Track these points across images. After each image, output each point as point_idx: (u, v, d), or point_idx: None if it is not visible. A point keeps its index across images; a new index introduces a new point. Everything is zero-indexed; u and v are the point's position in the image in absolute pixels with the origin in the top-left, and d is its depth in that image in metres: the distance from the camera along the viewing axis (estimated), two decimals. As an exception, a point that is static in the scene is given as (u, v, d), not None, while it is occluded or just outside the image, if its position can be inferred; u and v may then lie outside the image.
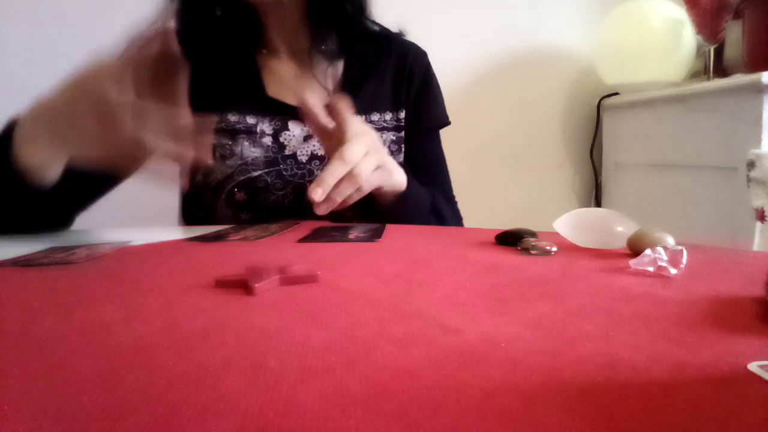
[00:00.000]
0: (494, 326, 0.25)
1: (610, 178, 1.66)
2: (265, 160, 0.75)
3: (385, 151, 0.69)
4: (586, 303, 0.29)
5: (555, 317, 0.26)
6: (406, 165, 0.81)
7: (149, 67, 0.50)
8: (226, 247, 0.50)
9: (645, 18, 1.47)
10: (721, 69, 1.40)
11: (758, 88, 1.09)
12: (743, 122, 1.13)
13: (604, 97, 1.65)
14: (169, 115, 0.50)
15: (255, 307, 0.29)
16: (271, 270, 0.35)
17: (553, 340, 0.23)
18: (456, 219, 0.86)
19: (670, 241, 0.41)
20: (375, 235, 0.54)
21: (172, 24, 0.78)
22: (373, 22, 0.84)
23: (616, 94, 1.61)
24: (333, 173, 0.56)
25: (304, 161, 0.77)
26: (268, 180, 0.75)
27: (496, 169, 1.67)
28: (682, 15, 1.42)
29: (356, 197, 0.61)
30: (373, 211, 0.70)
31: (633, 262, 0.37)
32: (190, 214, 0.83)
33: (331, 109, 0.62)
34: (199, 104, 0.58)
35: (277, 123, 0.77)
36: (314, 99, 0.60)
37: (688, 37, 1.44)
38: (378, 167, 0.62)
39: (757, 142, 1.09)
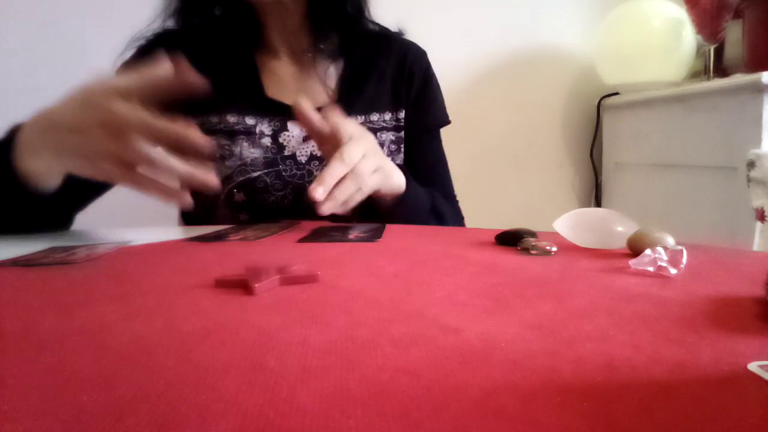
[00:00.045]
0: (494, 326, 0.25)
1: (610, 178, 1.66)
2: (264, 160, 0.75)
3: (383, 153, 0.69)
4: (586, 303, 0.29)
5: (555, 317, 0.26)
6: (404, 167, 0.81)
7: (158, 87, 0.51)
8: (226, 247, 0.50)
9: (645, 18, 1.48)
10: (721, 69, 1.40)
11: (758, 88, 1.09)
12: (743, 122, 1.13)
13: (604, 97, 1.65)
14: (178, 134, 0.49)
15: (255, 307, 0.29)
16: (271, 270, 0.35)
17: (553, 340, 0.23)
18: (457, 218, 0.86)
19: (670, 241, 0.41)
20: (375, 235, 0.54)
21: (170, 24, 0.78)
22: (373, 22, 0.84)
23: (616, 94, 1.61)
24: (332, 173, 0.57)
25: (304, 162, 0.77)
26: (268, 181, 0.75)
27: (496, 169, 1.67)
28: (682, 15, 1.42)
29: (358, 198, 0.61)
30: (372, 213, 0.70)
31: (633, 262, 0.37)
32: (189, 214, 0.83)
33: (325, 115, 0.62)
34: (198, 105, 0.58)
35: (276, 123, 0.77)
36: (308, 104, 0.60)
37: (688, 37, 1.44)
38: (377, 169, 0.62)
39: (757, 142, 1.09)
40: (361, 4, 0.80)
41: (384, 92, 0.83)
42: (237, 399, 0.18)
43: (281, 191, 0.75)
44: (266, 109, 0.77)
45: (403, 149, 0.84)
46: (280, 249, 0.48)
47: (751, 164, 1.01)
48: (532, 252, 0.44)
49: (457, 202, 0.89)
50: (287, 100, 0.78)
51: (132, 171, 0.50)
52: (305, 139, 0.78)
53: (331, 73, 0.82)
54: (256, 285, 0.32)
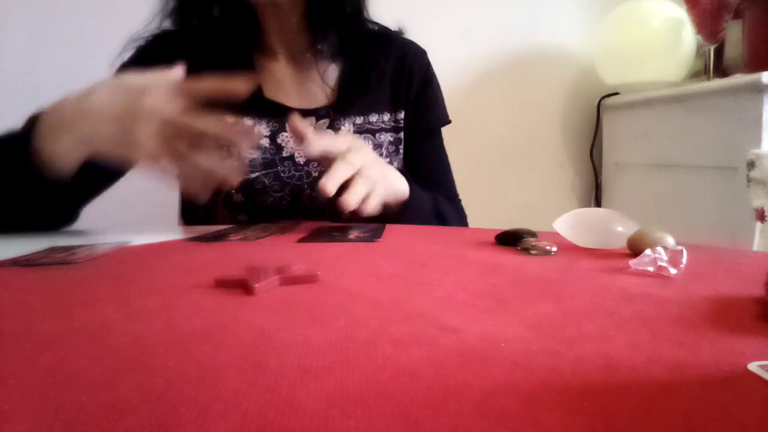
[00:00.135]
0: (494, 326, 0.25)
1: (610, 178, 1.66)
2: (262, 161, 0.75)
3: (383, 160, 0.69)
4: (586, 303, 0.29)
5: (555, 317, 0.26)
6: (406, 171, 0.81)
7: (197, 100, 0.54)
8: (226, 247, 0.50)
9: (645, 18, 1.47)
10: (721, 69, 1.40)
11: (758, 88, 1.08)
12: (743, 122, 1.13)
13: (604, 97, 1.65)
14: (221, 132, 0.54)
15: (255, 307, 0.29)
16: (271, 270, 0.35)
17: (553, 340, 0.23)
18: (460, 218, 0.86)
19: (670, 241, 0.41)
20: (375, 235, 0.54)
21: (167, 25, 0.78)
22: (372, 21, 0.84)
23: (616, 94, 1.61)
24: (339, 169, 0.57)
25: (302, 163, 0.77)
26: (266, 182, 0.75)
27: (496, 169, 1.67)
28: (682, 15, 1.42)
29: (373, 202, 0.60)
30: (375, 217, 0.70)
31: (633, 262, 0.37)
32: (189, 214, 0.83)
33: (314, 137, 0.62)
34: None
35: (275, 124, 0.77)
36: (302, 123, 0.60)
37: (688, 37, 1.44)
38: (380, 179, 0.62)
39: (757, 142, 1.09)
40: (360, 4, 0.80)
41: (383, 93, 0.83)
42: (237, 399, 0.18)
43: (279, 192, 0.75)
44: (264, 110, 0.77)
45: (401, 150, 0.84)
46: (280, 249, 0.48)
47: (751, 164, 1.01)
48: (532, 252, 0.44)
49: (460, 201, 0.89)
50: (286, 101, 0.78)
51: (167, 157, 0.53)
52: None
53: (330, 73, 0.81)
54: (256, 285, 0.32)
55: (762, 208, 0.99)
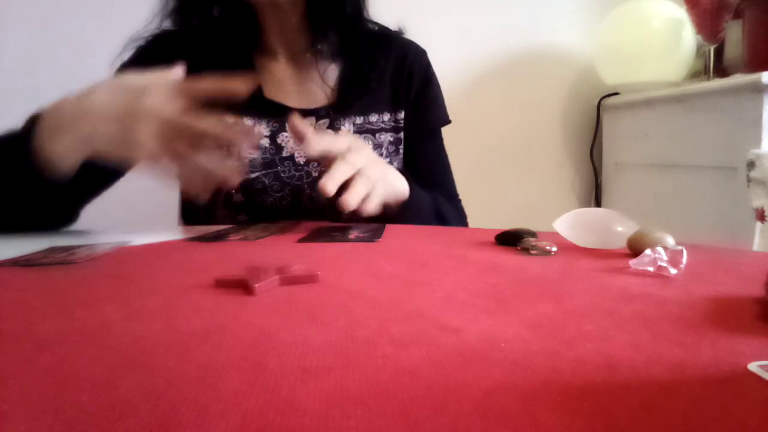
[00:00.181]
0: (494, 326, 0.25)
1: (610, 178, 1.66)
2: (262, 161, 0.75)
3: (383, 160, 0.69)
4: (586, 303, 0.29)
5: (555, 317, 0.26)
6: (406, 171, 0.81)
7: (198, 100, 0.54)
8: (226, 247, 0.50)
9: (645, 18, 1.47)
10: (721, 69, 1.40)
11: (758, 88, 1.08)
12: (743, 122, 1.13)
13: (604, 97, 1.65)
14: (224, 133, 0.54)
15: (255, 307, 0.29)
16: (271, 270, 0.35)
17: (553, 340, 0.23)
18: (460, 218, 0.86)
19: (670, 241, 0.41)
20: (375, 235, 0.54)
21: (167, 25, 0.78)
22: (372, 21, 0.84)
23: (616, 94, 1.61)
24: (338, 168, 0.57)
25: (302, 163, 0.77)
26: (266, 182, 0.75)
27: (496, 169, 1.67)
28: (682, 15, 1.42)
29: (374, 202, 0.60)
30: (375, 217, 0.70)
31: (633, 262, 0.37)
32: (189, 214, 0.83)
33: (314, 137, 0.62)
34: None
35: (275, 124, 0.77)
36: (302, 123, 0.60)
37: (688, 37, 1.44)
38: (380, 179, 0.62)
39: (757, 142, 1.09)
40: (360, 4, 0.80)
41: (383, 93, 0.83)
42: (237, 399, 0.18)
43: (279, 192, 0.75)
44: (264, 110, 0.77)
45: (401, 150, 0.84)
46: (280, 249, 0.48)
47: (751, 164, 1.01)
48: (532, 252, 0.44)
49: (460, 201, 0.89)
50: (286, 101, 0.78)
51: (168, 157, 0.54)
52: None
53: (330, 73, 0.81)
54: (256, 285, 0.32)
55: (762, 208, 0.99)
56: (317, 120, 0.79)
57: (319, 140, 0.59)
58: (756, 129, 1.10)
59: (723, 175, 1.20)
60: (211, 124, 0.53)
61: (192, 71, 0.57)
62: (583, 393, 0.18)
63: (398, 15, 0.87)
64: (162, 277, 0.37)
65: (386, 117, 0.82)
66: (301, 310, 0.28)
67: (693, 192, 1.31)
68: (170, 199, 0.87)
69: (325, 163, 0.60)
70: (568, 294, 0.31)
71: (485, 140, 1.64)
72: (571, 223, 0.47)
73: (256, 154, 0.75)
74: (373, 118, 0.81)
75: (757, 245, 1.02)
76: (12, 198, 0.57)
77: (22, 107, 0.58)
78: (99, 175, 0.67)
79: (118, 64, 0.77)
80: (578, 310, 0.28)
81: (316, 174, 0.76)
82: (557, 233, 0.47)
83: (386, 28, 0.86)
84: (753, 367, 0.20)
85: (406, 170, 0.84)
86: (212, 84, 0.54)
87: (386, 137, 0.82)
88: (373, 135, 0.81)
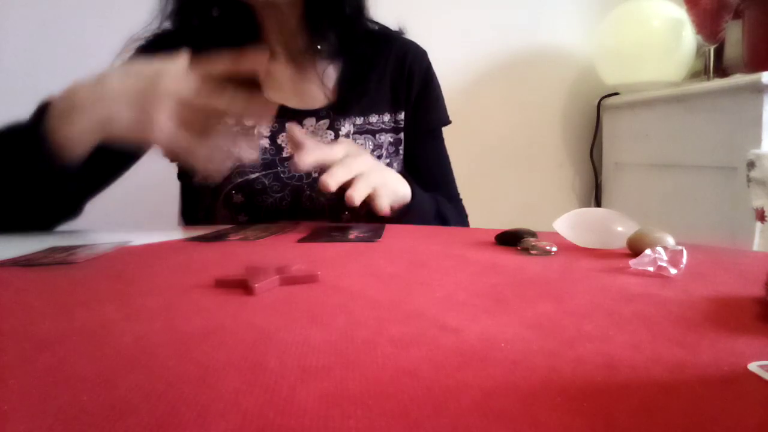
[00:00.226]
0: (494, 326, 0.25)
1: (610, 178, 1.66)
2: (262, 162, 0.75)
3: (384, 164, 0.69)
4: (586, 303, 0.29)
5: (555, 317, 0.26)
6: (407, 173, 0.81)
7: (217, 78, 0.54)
8: (226, 247, 0.50)
9: (645, 18, 1.47)
10: (721, 69, 1.40)
11: (758, 88, 1.09)
12: (743, 122, 1.13)
13: (604, 97, 1.65)
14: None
15: (255, 307, 0.29)
16: (271, 270, 0.35)
17: (553, 340, 0.23)
18: (461, 219, 0.86)
19: (670, 241, 0.41)
20: (375, 235, 0.54)
21: (167, 25, 0.78)
22: (372, 21, 0.84)
23: (616, 94, 1.61)
24: (338, 171, 0.57)
25: None
26: (266, 182, 0.75)
27: (496, 169, 1.67)
28: (682, 15, 1.42)
29: (382, 204, 0.61)
30: (375, 215, 0.71)
31: (633, 262, 0.37)
32: (189, 214, 0.83)
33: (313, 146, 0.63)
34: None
35: (274, 125, 0.77)
36: (301, 133, 0.61)
37: (688, 37, 1.44)
38: (382, 185, 0.62)
39: (757, 142, 1.09)
40: (360, 4, 0.80)
41: (383, 93, 0.83)
42: (237, 399, 0.18)
43: (279, 193, 0.75)
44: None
45: (402, 151, 0.84)
46: (280, 249, 0.48)
47: (751, 164, 1.01)
48: (532, 252, 0.44)
49: (461, 200, 0.89)
50: (285, 101, 0.78)
51: (184, 137, 0.53)
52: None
53: (330, 74, 0.81)
54: (256, 285, 0.32)
55: (762, 208, 0.99)
56: (317, 121, 0.79)
57: (310, 153, 0.58)
58: (756, 129, 1.10)
59: (723, 175, 1.20)
60: (228, 101, 0.53)
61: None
62: (583, 393, 0.18)
63: (398, 15, 0.87)
64: (162, 277, 0.37)
65: (386, 117, 0.82)
66: (301, 310, 0.28)
67: (693, 192, 1.31)
68: (170, 199, 0.87)
69: (321, 172, 0.61)
70: (568, 294, 0.31)
71: (485, 140, 1.64)
72: (571, 223, 0.47)
73: (256, 155, 0.75)
74: (373, 118, 0.81)
75: (757, 245, 1.02)
76: (20, 185, 0.57)
77: (22, 107, 0.58)
78: (109, 163, 0.67)
79: (118, 64, 0.77)
80: (578, 310, 0.28)
81: (316, 174, 0.76)
82: (557, 233, 0.47)
83: (386, 28, 0.86)
84: (753, 367, 0.20)
85: (407, 172, 0.84)
86: (225, 62, 0.54)
87: (386, 138, 0.82)
88: (373, 135, 0.81)
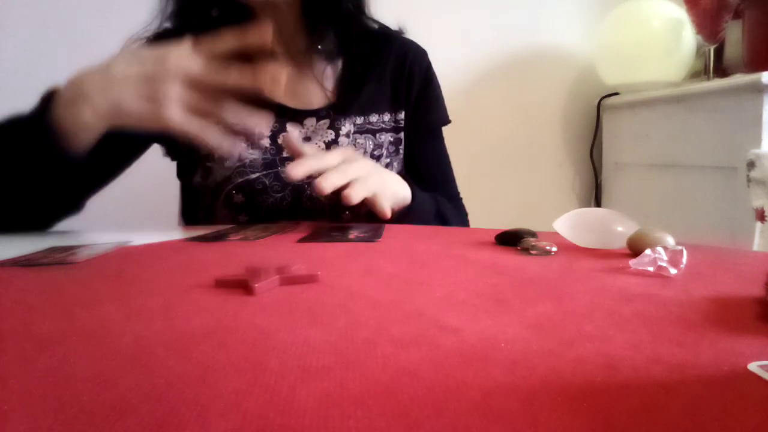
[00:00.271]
0: (494, 326, 0.25)
1: (610, 178, 1.66)
2: (263, 162, 0.75)
3: (382, 167, 0.69)
4: (586, 303, 0.29)
5: (555, 317, 0.26)
6: (407, 175, 0.81)
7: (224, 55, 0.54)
8: (226, 247, 0.50)
9: (645, 18, 1.47)
10: (721, 69, 1.40)
11: (758, 88, 1.09)
12: (743, 122, 1.13)
13: (604, 97, 1.65)
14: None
15: (255, 307, 0.29)
16: (271, 270, 0.35)
17: (553, 340, 0.23)
18: (461, 218, 0.86)
19: (670, 241, 0.41)
20: (375, 235, 0.54)
21: (167, 25, 0.78)
22: (372, 20, 0.84)
23: (616, 94, 1.61)
24: (332, 175, 0.57)
25: None
26: (267, 182, 0.75)
27: (496, 169, 1.67)
28: (682, 15, 1.42)
29: (383, 206, 0.61)
30: (374, 216, 0.71)
31: (633, 262, 0.37)
32: (189, 214, 0.83)
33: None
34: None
35: (275, 125, 0.77)
36: (299, 142, 0.61)
37: (688, 37, 1.44)
38: (381, 189, 0.63)
39: (757, 142, 1.09)
40: (359, 2, 0.80)
41: (383, 93, 0.83)
42: (237, 399, 0.18)
43: (280, 193, 0.75)
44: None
45: (402, 150, 0.84)
46: (280, 249, 0.48)
47: (751, 164, 1.01)
48: (532, 252, 0.44)
49: (461, 199, 0.89)
50: (286, 101, 0.78)
51: (196, 119, 0.53)
52: (304, 141, 0.78)
53: (330, 73, 0.81)
54: (256, 285, 0.32)
55: (762, 208, 0.99)
56: (318, 120, 0.79)
57: (304, 162, 0.58)
58: (756, 129, 1.10)
59: (723, 175, 1.20)
60: (236, 75, 0.53)
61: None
62: (583, 393, 0.18)
63: (398, 15, 0.87)
64: (162, 277, 0.37)
65: (386, 117, 0.82)
66: (301, 310, 0.28)
67: (693, 192, 1.31)
68: (170, 199, 0.87)
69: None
70: (568, 294, 0.31)
71: (485, 140, 1.64)
72: (571, 223, 0.47)
73: (256, 155, 0.75)
74: (374, 118, 0.81)
75: (757, 245, 1.02)
76: (20, 179, 0.56)
77: (22, 107, 0.58)
78: (114, 155, 0.67)
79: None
80: (578, 310, 0.28)
81: (317, 175, 0.76)
82: (557, 233, 0.47)
83: (386, 28, 0.86)
84: (753, 367, 0.20)
85: (407, 173, 0.84)
86: (230, 38, 0.54)
87: (386, 137, 0.82)
88: (374, 135, 0.81)
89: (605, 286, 0.33)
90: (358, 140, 0.79)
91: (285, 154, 0.77)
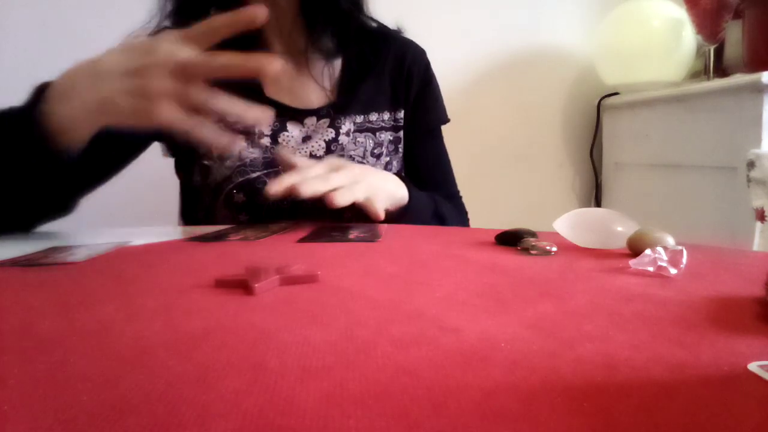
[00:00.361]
0: (494, 326, 0.25)
1: (610, 178, 1.66)
2: (263, 161, 0.75)
3: (379, 172, 0.69)
4: (586, 303, 0.29)
5: (555, 317, 0.26)
6: (405, 176, 0.81)
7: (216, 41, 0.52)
8: (226, 247, 0.50)
9: (645, 18, 1.48)
10: (721, 69, 1.40)
11: (758, 88, 1.09)
12: (743, 122, 1.13)
13: (604, 97, 1.65)
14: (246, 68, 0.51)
15: (255, 307, 0.29)
16: (271, 270, 0.35)
17: (553, 340, 0.23)
18: (461, 217, 0.86)
19: (670, 241, 0.41)
20: (375, 235, 0.54)
21: (166, 24, 0.78)
22: (371, 19, 0.84)
23: (616, 94, 1.61)
24: (314, 183, 0.58)
25: None
26: (267, 181, 0.75)
27: (496, 169, 1.67)
28: (682, 15, 1.42)
29: (378, 208, 0.61)
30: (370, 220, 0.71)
31: (633, 262, 0.37)
32: (189, 214, 0.83)
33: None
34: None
35: (276, 124, 0.77)
36: (291, 156, 0.61)
37: (688, 37, 1.44)
38: (375, 192, 0.63)
39: (757, 142, 1.09)
40: (358, 0, 0.79)
41: (382, 92, 0.83)
42: (237, 399, 0.18)
43: None
44: None
45: (401, 149, 0.84)
46: (280, 249, 0.48)
47: (751, 164, 1.01)
48: (532, 252, 0.44)
49: (461, 198, 0.89)
50: (286, 100, 0.78)
51: (190, 114, 0.50)
52: (305, 140, 0.78)
53: (330, 72, 0.81)
54: (256, 285, 0.32)
55: (762, 208, 0.99)
56: (318, 119, 0.79)
57: (283, 180, 0.58)
58: (756, 129, 1.10)
59: (723, 175, 1.20)
60: (227, 58, 0.50)
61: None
62: (583, 393, 0.18)
63: (398, 14, 0.87)
64: (162, 277, 0.37)
65: (386, 116, 0.82)
66: (301, 310, 0.28)
67: (693, 192, 1.31)
68: (170, 198, 0.87)
69: None
70: (568, 294, 0.31)
71: (485, 140, 1.64)
72: (571, 223, 0.47)
73: (257, 154, 0.75)
74: (373, 116, 0.81)
75: (757, 245, 1.02)
76: (6, 175, 0.54)
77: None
78: (109, 155, 0.65)
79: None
80: (578, 310, 0.28)
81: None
82: (557, 233, 0.47)
83: (385, 27, 0.86)
84: (753, 367, 0.20)
85: (406, 173, 0.84)
86: (221, 20, 0.51)
87: (386, 136, 0.82)
88: (374, 134, 0.81)
89: (605, 286, 0.33)
90: (358, 139, 0.79)
91: None
